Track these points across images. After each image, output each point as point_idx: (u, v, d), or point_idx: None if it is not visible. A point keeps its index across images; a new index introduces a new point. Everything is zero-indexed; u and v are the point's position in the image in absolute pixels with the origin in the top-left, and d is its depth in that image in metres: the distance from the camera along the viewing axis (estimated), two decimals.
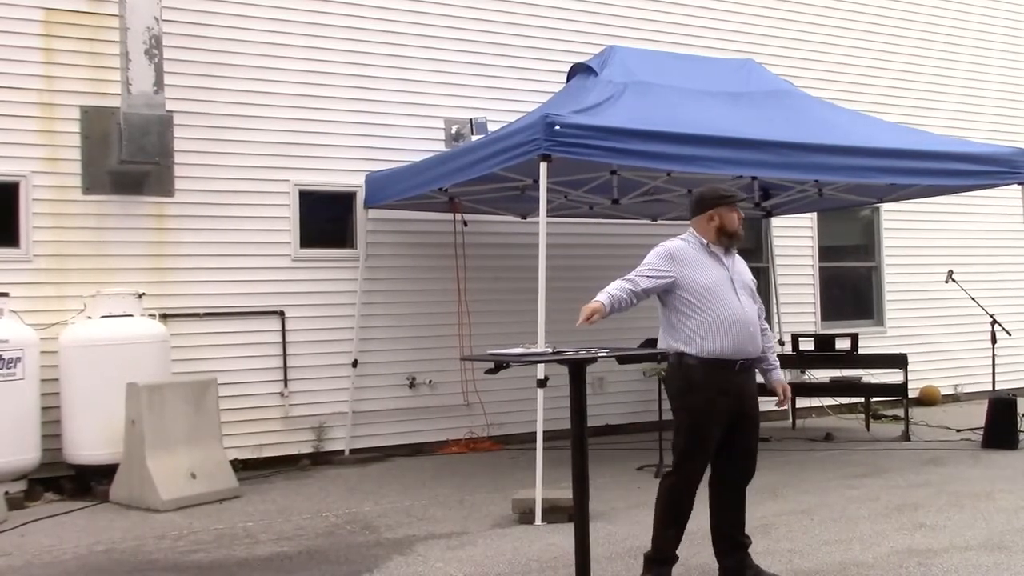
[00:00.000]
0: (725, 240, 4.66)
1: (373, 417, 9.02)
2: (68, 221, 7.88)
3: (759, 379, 4.79)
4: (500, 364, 4.11)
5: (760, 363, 4.77)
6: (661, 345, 4.69)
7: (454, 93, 9.36)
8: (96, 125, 7.97)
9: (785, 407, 4.74)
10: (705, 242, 4.66)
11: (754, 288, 4.77)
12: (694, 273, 4.55)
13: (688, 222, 4.83)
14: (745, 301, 4.60)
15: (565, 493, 5.73)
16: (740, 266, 4.76)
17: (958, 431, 9.58)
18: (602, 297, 4.48)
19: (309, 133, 8.80)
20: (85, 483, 7.37)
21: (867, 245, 11.91)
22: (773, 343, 4.91)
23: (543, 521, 6.07)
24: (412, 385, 9.19)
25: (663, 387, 5.19)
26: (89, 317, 7.51)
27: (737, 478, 4.66)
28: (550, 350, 4.20)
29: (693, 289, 4.53)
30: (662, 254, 4.64)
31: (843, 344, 9.85)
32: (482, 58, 9.53)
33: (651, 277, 4.56)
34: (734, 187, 4.76)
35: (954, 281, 9.73)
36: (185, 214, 8.29)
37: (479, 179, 7.61)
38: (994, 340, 9.43)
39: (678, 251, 4.62)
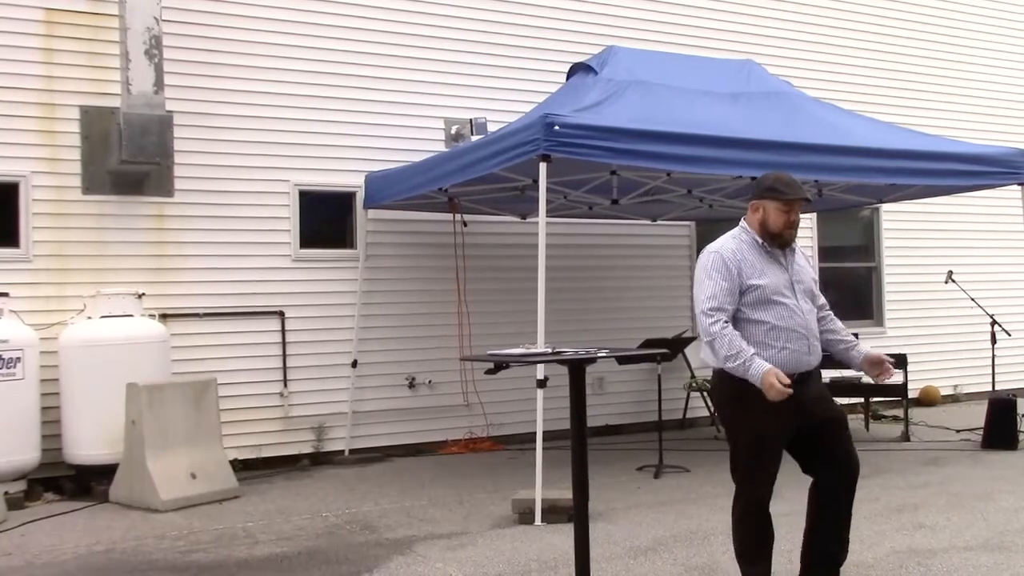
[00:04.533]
0: (768, 238, 4.17)
1: (373, 417, 9.02)
2: (68, 221, 7.88)
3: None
4: (500, 364, 4.10)
5: (837, 346, 4.36)
6: (704, 356, 4.28)
7: (454, 93, 9.36)
8: (96, 125, 7.97)
9: (889, 376, 4.21)
10: (759, 240, 4.19)
11: (815, 287, 4.32)
12: (750, 279, 4.10)
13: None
14: (806, 307, 4.17)
15: (565, 493, 5.74)
16: (800, 263, 4.28)
17: (958, 431, 9.58)
18: (761, 365, 3.96)
19: (309, 133, 8.80)
20: (85, 483, 7.37)
21: (867, 245, 11.92)
22: (840, 325, 4.39)
23: (543, 521, 6.07)
24: (412, 385, 9.19)
25: (708, 399, 4.89)
26: (89, 317, 7.51)
27: (836, 483, 4.17)
28: (550, 350, 4.19)
29: (747, 297, 4.10)
30: (718, 267, 4.11)
31: None
32: (482, 58, 9.53)
33: (732, 301, 4.10)
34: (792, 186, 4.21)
35: (954, 281, 9.73)
36: (185, 214, 8.29)
37: (479, 179, 7.61)
38: (994, 340, 9.43)
39: (732, 256, 4.13)
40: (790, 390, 3.92)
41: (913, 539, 5.54)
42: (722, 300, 4.07)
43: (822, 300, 4.39)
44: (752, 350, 4.00)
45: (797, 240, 4.34)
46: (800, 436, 4.17)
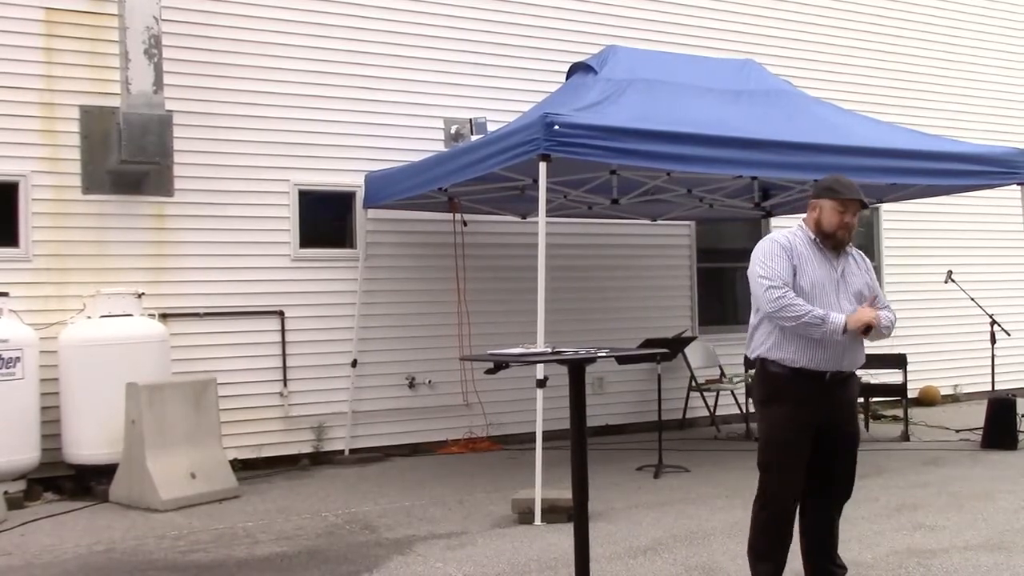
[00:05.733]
0: (821, 237, 4.21)
1: (373, 417, 9.02)
2: (68, 221, 7.88)
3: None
4: (500, 364, 4.10)
5: None
6: (748, 350, 4.36)
7: (454, 93, 9.36)
8: (96, 125, 7.97)
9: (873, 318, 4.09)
10: (813, 236, 4.24)
11: (868, 292, 4.26)
12: (799, 270, 4.15)
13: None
14: (848, 308, 4.14)
15: (564, 493, 5.73)
16: (854, 268, 4.28)
17: (957, 431, 9.58)
18: (839, 316, 4.04)
19: (309, 133, 8.79)
20: (85, 483, 7.37)
21: (866, 245, 11.89)
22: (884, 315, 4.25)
23: (543, 521, 6.08)
24: (412, 385, 9.19)
25: (749, 395, 4.90)
26: (89, 317, 7.51)
27: (829, 497, 4.28)
28: (550, 350, 4.19)
29: (794, 287, 4.12)
30: (776, 251, 4.16)
31: None
32: (482, 58, 9.53)
33: (790, 281, 4.12)
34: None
35: (953, 281, 9.72)
36: (185, 214, 8.29)
37: (479, 179, 7.61)
38: (993, 340, 9.43)
39: (787, 244, 4.19)
40: (872, 313, 4.07)
41: (913, 539, 5.54)
42: (784, 277, 4.12)
43: (882, 303, 4.31)
44: (821, 310, 4.06)
45: (852, 245, 4.34)
46: (817, 442, 4.19)
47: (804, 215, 4.37)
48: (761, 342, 4.24)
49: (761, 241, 4.31)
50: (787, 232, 4.31)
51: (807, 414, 4.14)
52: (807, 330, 4.06)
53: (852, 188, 4.22)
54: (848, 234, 4.22)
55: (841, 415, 4.25)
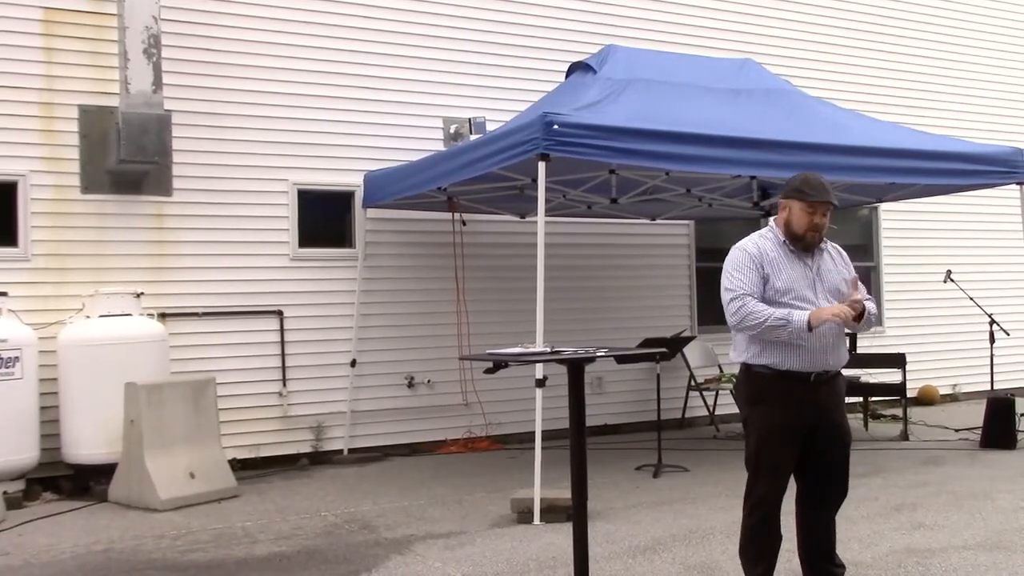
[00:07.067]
0: (791, 239, 4.15)
1: (372, 417, 9.02)
2: (67, 220, 7.87)
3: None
4: (499, 364, 4.10)
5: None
6: (732, 354, 4.30)
7: (454, 93, 9.35)
8: (95, 124, 7.96)
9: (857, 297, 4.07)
10: (783, 238, 4.18)
11: (847, 287, 4.18)
12: (769, 276, 4.11)
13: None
14: (827, 306, 4.09)
15: (563, 493, 5.74)
16: (829, 264, 4.23)
17: (956, 431, 9.58)
18: (801, 313, 3.99)
19: (308, 133, 8.79)
20: (84, 483, 7.37)
21: (865, 245, 11.91)
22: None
23: (541, 521, 6.08)
24: (411, 385, 9.19)
25: (734, 398, 4.90)
26: (88, 317, 7.51)
27: (824, 497, 4.26)
28: (548, 350, 4.19)
29: (767, 293, 4.08)
30: (744, 262, 4.12)
31: None
32: (482, 58, 9.53)
33: (757, 291, 4.08)
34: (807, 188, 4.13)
35: (952, 281, 9.73)
36: (184, 213, 8.29)
37: (478, 178, 7.60)
38: (992, 340, 9.43)
39: (756, 251, 4.14)
40: (849, 310, 3.99)
41: (912, 538, 5.54)
42: (748, 287, 4.08)
43: (863, 294, 4.24)
44: (783, 310, 4.01)
45: (828, 241, 4.31)
46: (807, 445, 4.18)
47: None
48: (744, 348, 4.21)
49: (731, 250, 4.26)
50: (757, 235, 4.26)
51: (794, 415, 4.11)
52: (773, 334, 4.02)
53: (821, 189, 4.14)
54: (818, 235, 4.17)
55: (830, 415, 4.21)
